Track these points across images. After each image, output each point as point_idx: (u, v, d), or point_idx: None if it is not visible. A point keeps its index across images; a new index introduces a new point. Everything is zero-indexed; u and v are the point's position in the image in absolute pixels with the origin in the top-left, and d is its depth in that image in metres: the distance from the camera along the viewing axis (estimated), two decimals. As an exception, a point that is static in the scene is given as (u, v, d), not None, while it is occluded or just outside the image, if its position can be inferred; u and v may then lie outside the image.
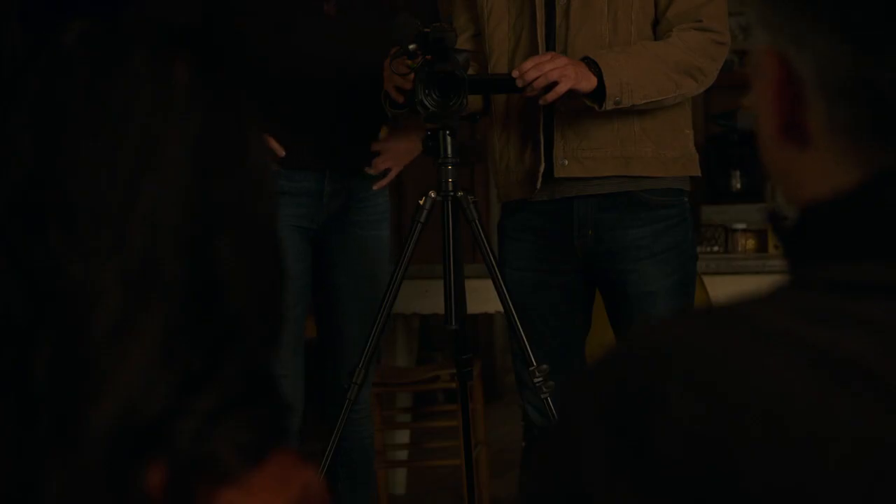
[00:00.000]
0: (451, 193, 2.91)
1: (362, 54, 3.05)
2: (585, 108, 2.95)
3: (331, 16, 3.16)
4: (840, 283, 0.74)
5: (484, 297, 3.81)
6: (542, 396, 2.89)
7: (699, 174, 3.15)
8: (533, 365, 2.87)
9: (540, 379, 2.87)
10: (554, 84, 2.83)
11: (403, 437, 4.98)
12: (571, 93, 2.87)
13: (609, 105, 2.91)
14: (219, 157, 0.84)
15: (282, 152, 3.12)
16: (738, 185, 6.10)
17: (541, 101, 2.89)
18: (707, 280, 4.12)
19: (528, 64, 2.85)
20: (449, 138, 2.90)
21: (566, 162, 3.01)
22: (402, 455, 4.99)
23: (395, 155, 3.29)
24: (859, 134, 0.76)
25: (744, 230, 5.03)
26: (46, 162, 0.81)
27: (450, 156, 2.91)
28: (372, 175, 3.28)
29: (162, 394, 0.80)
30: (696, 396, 0.70)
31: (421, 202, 2.94)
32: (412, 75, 2.89)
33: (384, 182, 3.28)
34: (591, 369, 0.77)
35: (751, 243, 5.01)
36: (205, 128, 0.83)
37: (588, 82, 2.88)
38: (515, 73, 2.86)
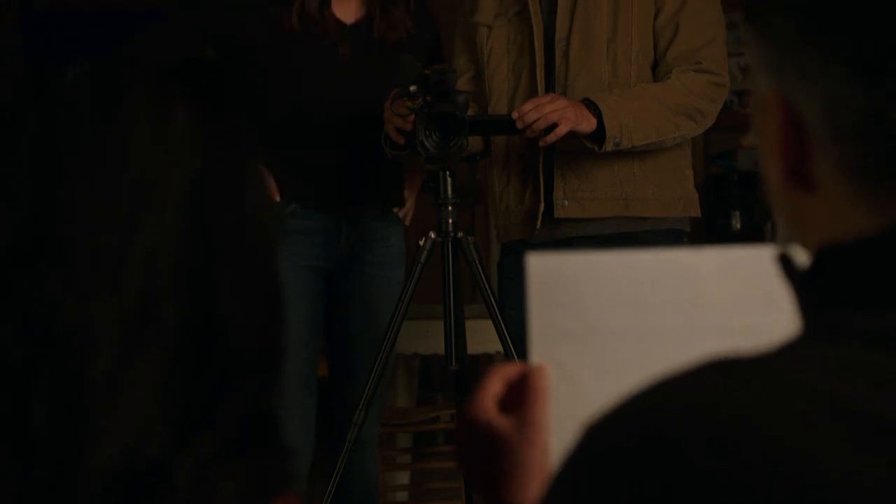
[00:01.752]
0: (452, 234, 2.91)
1: (377, 96, 3.07)
2: (585, 149, 2.95)
3: (346, 58, 3.19)
4: (869, 333, 0.70)
5: (484, 337, 3.80)
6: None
7: (699, 215, 3.15)
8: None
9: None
10: (554, 125, 2.84)
11: (404, 477, 4.96)
12: (571, 134, 2.87)
13: (609, 146, 2.92)
14: (217, 198, 0.84)
15: (277, 196, 3.16)
16: (738, 225, 6.09)
17: (541, 143, 2.90)
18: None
19: (528, 105, 2.86)
20: (449, 179, 2.91)
21: (566, 202, 3.02)
22: (403, 496, 4.96)
23: (409, 191, 3.34)
24: (872, 176, 0.73)
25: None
26: (43, 205, 0.81)
27: (450, 196, 2.91)
28: (386, 217, 3.31)
29: (161, 436, 0.79)
30: (719, 455, 0.66)
31: (421, 243, 2.94)
32: (412, 116, 2.90)
33: (410, 215, 3.32)
34: (611, 418, 0.72)
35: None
36: (203, 168, 0.83)
37: (588, 124, 2.89)
38: (515, 115, 2.87)
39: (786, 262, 0.78)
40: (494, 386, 1.03)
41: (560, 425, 0.96)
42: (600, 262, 0.88)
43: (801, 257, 0.78)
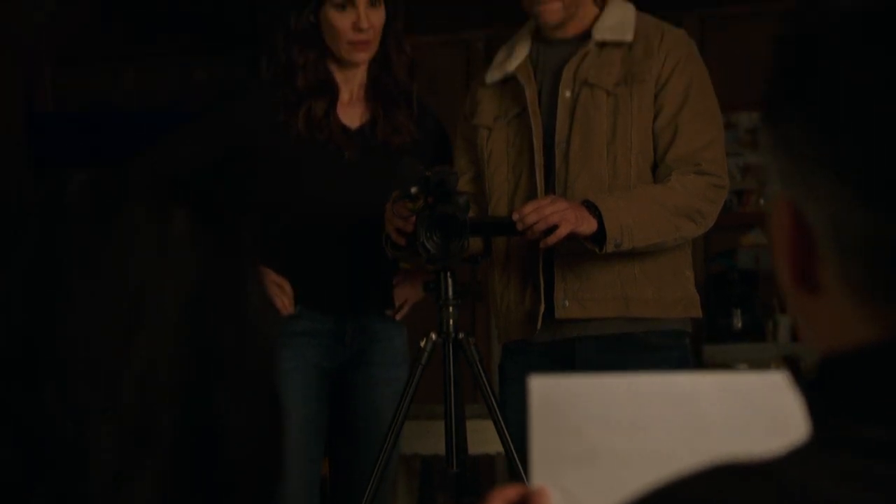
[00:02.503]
0: (453, 335, 2.91)
1: (382, 199, 3.09)
2: (585, 250, 2.96)
3: (351, 162, 3.22)
4: (871, 443, 0.71)
5: (485, 437, 3.78)
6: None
7: (700, 316, 3.15)
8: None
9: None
10: (554, 227, 2.85)
11: (404, 580, 4.90)
12: (571, 236, 2.88)
13: (609, 248, 2.92)
14: (216, 309, 0.84)
15: (288, 308, 3.15)
16: (740, 324, 6.08)
17: (541, 245, 2.90)
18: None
19: (529, 207, 2.87)
20: (450, 280, 2.92)
21: (567, 303, 3.02)
22: None
23: (411, 288, 3.33)
24: (874, 292, 0.74)
25: (746, 370, 5.01)
26: (40, 316, 0.81)
27: (451, 297, 2.92)
28: (390, 318, 3.31)
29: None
30: None
31: (422, 344, 2.94)
32: (413, 218, 2.91)
33: (403, 312, 3.31)
34: None
35: (753, 383, 4.99)
36: (202, 279, 0.83)
37: (588, 225, 2.90)
38: (516, 217, 2.88)
39: (794, 366, 0.79)
40: None
41: None
42: (602, 385, 0.88)
43: (812, 359, 0.78)
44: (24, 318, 0.80)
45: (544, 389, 0.87)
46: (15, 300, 0.81)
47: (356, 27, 3.17)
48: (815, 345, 0.78)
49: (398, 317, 3.31)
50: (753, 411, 0.94)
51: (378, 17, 3.20)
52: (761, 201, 5.96)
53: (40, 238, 0.82)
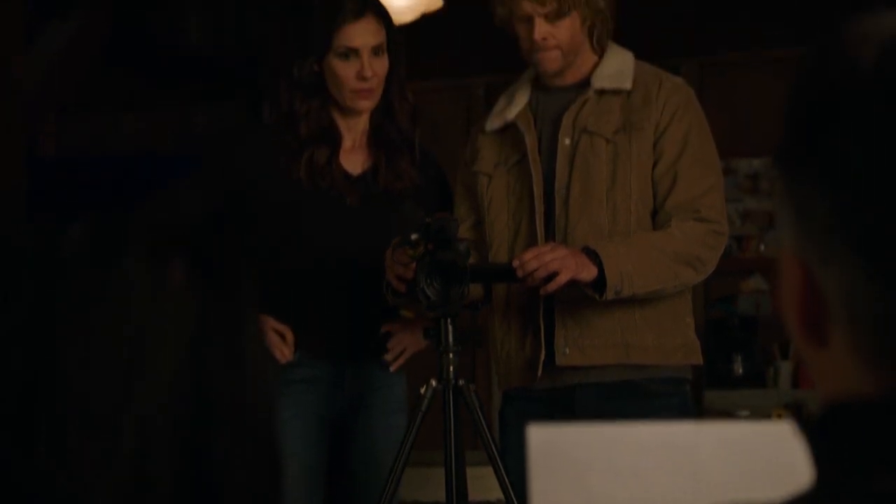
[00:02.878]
0: (453, 382, 2.91)
1: (383, 245, 3.09)
2: (586, 296, 2.96)
3: (353, 208, 3.23)
4: (872, 495, 0.71)
5: (485, 484, 3.76)
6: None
7: (701, 363, 3.14)
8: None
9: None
10: (554, 274, 2.85)
11: None
12: (572, 282, 2.88)
13: (610, 295, 2.92)
14: (214, 359, 0.83)
15: (288, 356, 3.15)
16: (740, 370, 6.07)
17: (542, 292, 2.91)
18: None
19: (529, 254, 2.87)
20: (450, 327, 2.91)
21: (567, 350, 3.01)
22: None
23: (410, 337, 3.32)
24: (879, 356, 0.74)
25: (747, 417, 5.00)
26: (36, 368, 0.80)
27: (451, 344, 2.92)
28: (388, 362, 3.30)
29: None
30: None
31: (422, 391, 2.94)
32: (413, 264, 2.92)
33: (400, 362, 3.30)
34: None
35: (754, 430, 4.97)
36: (199, 330, 0.83)
37: (588, 272, 2.90)
38: (516, 263, 2.89)
39: (800, 416, 0.79)
40: None
41: None
42: (601, 434, 0.87)
43: (817, 407, 0.78)
44: (20, 369, 0.80)
45: (544, 438, 0.86)
46: (11, 350, 0.81)
47: (360, 76, 3.18)
48: (822, 390, 0.78)
49: (394, 367, 3.29)
50: (753, 461, 0.94)
51: (381, 65, 3.21)
52: (761, 247, 5.96)
53: (38, 287, 0.82)
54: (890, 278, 0.72)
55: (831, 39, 0.76)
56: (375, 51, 3.19)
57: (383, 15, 3.25)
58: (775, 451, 0.79)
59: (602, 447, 0.88)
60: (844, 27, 0.75)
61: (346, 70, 3.19)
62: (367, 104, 3.24)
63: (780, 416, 4.80)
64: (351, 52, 3.18)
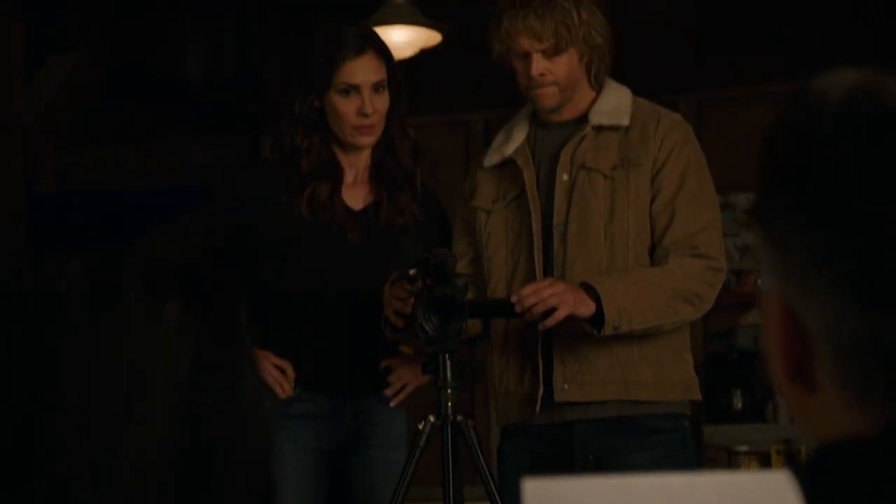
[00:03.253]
0: (451, 417, 2.90)
1: (384, 280, 3.09)
2: (584, 332, 2.96)
3: (354, 244, 3.23)
4: None
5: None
6: None
7: (700, 398, 3.14)
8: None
9: None
10: (553, 310, 2.85)
11: None
12: (570, 318, 2.88)
13: (608, 330, 2.92)
14: (210, 400, 0.83)
15: (288, 391, 3.15)
16: (739, 405, 6.06)
17: (540, 327, 2.91)
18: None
19: (527, 290, 2.87)
20: (448, 362, 2.91)
21: (566, 386, 3.01)
22: None
23: (410, 372, 3.31)
24: (869, 391, 0.75)
25: (746, 452, 4.99)
26: (31, 410, 0.80)
27: (449, 380, 2.91)
28: (388, 397, 3.29)
29: None
30: None
31: (420, 427, 2.93)
32: (412, 299, 2.92)
33: (400, 398, 3.29)
34: None
35: (754, 466, 4.97)
36: (196, 370, 0.83)
37: (587, 308, 2.90)
38: (514, 299, 2.89)
39: (791, 456, 0.80)
40: None
41: None
42: (597, 487, 0.87)
43: (808, 446, 0.79)
44: (17, 405, 0.80)
45: (539, 492, 0.86)
46: (8, 386, 0.81)
47: (361, 112, 3.19)
48: (811, 435, 0.79)
49: (394, 403, 3.28)
50: None
51: (382, 102, 3.22)
52: (759, 281, 5.96)
53: (36, 324, 0.82)
54: (873, 304, 0.73)
55: (799, 92, 0.79)
56: (376, 87, 3.20)
57: (384, 52, 3.26)
58: (776, 502, 0.79)
59: (598, 500, 0.87)
60: (811, 82, 0.79)
61: (346, 106, 3.20)
62: (367, 140, 3.24)
63: (779, 452, 4.79)
64: (352, 89, 3.19)
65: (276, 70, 6.18)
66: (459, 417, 2.91)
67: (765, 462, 4.95)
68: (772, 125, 0.81)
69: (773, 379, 0.81)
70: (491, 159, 3.20)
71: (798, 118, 0.80)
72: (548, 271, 3.05)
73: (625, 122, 3.09)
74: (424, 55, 5.26)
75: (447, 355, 2.91)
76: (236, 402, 0.85)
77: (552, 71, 3.04)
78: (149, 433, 0.80)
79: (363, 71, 3.19)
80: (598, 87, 3.15)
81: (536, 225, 3.07)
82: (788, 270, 0.78)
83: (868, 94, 0.77)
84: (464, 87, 6.21)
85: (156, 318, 0.83)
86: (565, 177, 3.07)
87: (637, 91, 3.20)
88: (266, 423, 0.88)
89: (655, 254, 3.05)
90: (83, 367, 0.81)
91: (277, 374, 3.19)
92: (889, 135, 0.76)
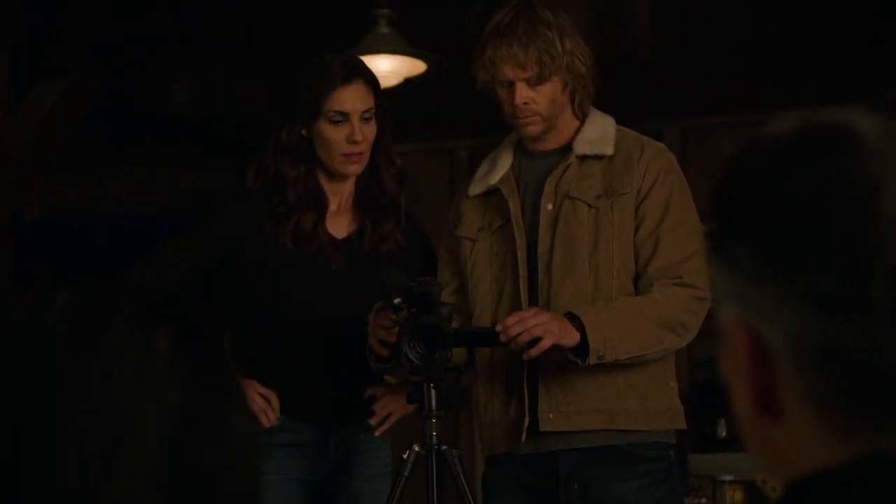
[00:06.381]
0: (436, 447, 2.90)
1: (369, 308, 3.09)
2: (569, 361, 2.96)
3: (338, 272, 3.23)
4: None
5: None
6: None
7: (685, 427, 3.14)
8: None
9: None
10: (538, 339, 2.85)
11: None
12: (555, 348, 2.89)
13: (592, 360, 2.93)
14: (197, 432, 0.84)
15: (273, 421, 3.15)
16: (724, 433, 6.06)
17: (525, 356, 2.91)
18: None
19: (512, 319, 2.88)
20: (433, 391, 2.91)
21: (551, 416, 3.01)
22: None
23: (395, 401, 3.30)
24: (835, 405, 0.76)
25: (731, 481, 4.98)
26: (20, 440, 0.80)
27: (434, 409, 2.91)
28: (373, 426, 3.29)
29: None
30: None
31: (405, 456, 2.93)
32: (396, 328, 2.92)
33: (385, 427, 3.28)
34: None
35: (738, 495, 4.96)
36: (183, 403, 0.83)
37: (571, 337, 2.90)
38: (499, 328, 2.89)
39: (750, 485, 0.81)
40: None
41: None
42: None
43: (777, 484, 0.79)
44: (4, 437, 0.80)
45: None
46: None
47: (350, 140, 3.19)
48: (778, 475, 0.80)
49: (379, 432, 3.28)
50: None
51: (370, 130, 3.23)
52: (717, 316, 5.96)
53: (23, 357, 0.83)
54: (832, 307, 0.76)
55: (751, 137, 0.85)
56: (364, 116, 3.21)
57: (372, 81, 3.28)
58: None
59: None
60: (761, 129, 0.85)
61: (336, 134, 3.20)
62: (355, 169, 3.25)
63: (764, 482, 4.79)
64: (341, 117, 3.20)
65: (263, 98, 6.19)
66: (444, 446, 2.91)
67: (749, 491, 4.94)
68: (726, 163, 0.85)
69: (736, 415, 0.82)
70: (475, 188, 3.21)
71: (750, 159, 0.84)
72: (532, 300, 3.05)
73: (609, 151, 3.10)
74: (409, 83, 5.27)
75: (432, 384, 2.91)
76: (224, 435, 0.85)
77: (536, 100, 3.05)
78: (139, 466, 0.80)
79: (352, 99, 3.20)
80: (583, 116, 3.16)
81: (521, 254, 3.08)
82: (748, 291, 0.80)
83: (812, 125, 0.83)
84: (448, 115, 6.22)
85: (145, 351, 0.84)
86: (550, 206, 3.08)
87: (621, 120, 3.21)
88: (254, 454, 0.88)
89: (640, 282, 3.06)
90: (72, 401, 0.81)
91: (262, 403, 3.19)
92: (829, 155, 0.80)
